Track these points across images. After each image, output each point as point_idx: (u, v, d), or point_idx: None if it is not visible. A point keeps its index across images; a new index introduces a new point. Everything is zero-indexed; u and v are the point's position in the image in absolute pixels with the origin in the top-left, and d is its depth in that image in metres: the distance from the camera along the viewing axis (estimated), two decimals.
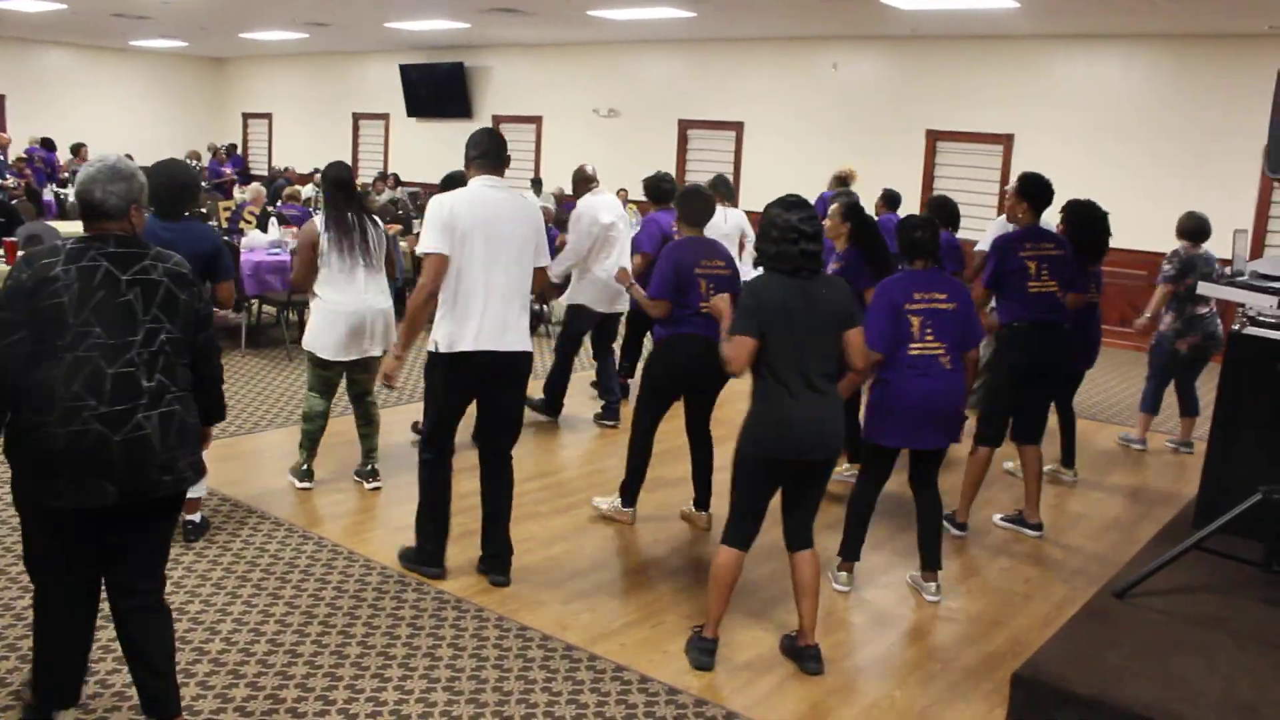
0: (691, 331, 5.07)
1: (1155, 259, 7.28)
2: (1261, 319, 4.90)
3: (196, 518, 4.93)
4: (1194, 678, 3.59)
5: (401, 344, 4.64)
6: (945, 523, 5.53)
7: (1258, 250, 10.49)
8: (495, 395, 4.54)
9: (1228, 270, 6.41)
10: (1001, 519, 5.72)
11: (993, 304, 5.67)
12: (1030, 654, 3.92)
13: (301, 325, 7.50)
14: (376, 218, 5.76)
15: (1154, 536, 5.18)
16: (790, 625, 4.31)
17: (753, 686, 3.90)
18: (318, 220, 5.52)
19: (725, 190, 8.24)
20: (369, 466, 5.81)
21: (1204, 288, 5.66)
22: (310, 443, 5.71)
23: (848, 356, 3.94)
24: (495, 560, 4.67)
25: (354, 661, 3.88)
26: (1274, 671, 3.65)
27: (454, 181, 6.50)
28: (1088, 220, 5.89)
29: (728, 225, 7.99)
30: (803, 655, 4.03)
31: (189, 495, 3.81)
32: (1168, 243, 7.22)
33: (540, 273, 4.60)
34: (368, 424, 5.80)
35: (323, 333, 5.48)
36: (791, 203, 3.88)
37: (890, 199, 8.72)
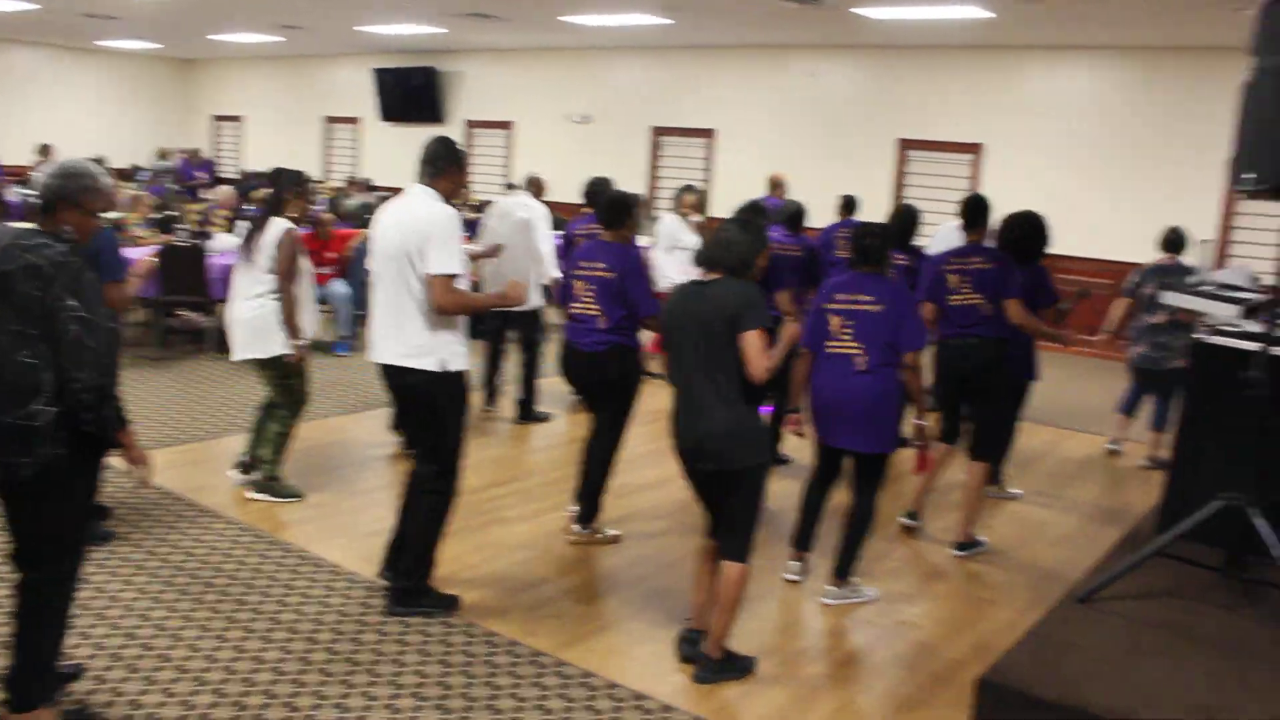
0: (566, 336, 5.21)
1: (1121, 268, 7.36)
2: (1224, 329, 4.95)
3: None
4: (1156, 682, 3.62)
5: None
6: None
7: (1221, 261, 10.61)
8: (399, 406, 4.46)
9: (1191, 280, 6.51)
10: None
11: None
12: (995, 659, 3.95)
13: None
14: (283, 220, 5.38)
15: (1117, 542, 5.24)
16: (751, 630, 4.36)
17: (718, 692, 3.91)
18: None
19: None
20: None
21: (1168, 297, 5.74)
22: (251, 433, 5.72)
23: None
24: (389, 588, 4.45)
25: (320, 668, 3.85)
26: (1233, 675, 3.69)
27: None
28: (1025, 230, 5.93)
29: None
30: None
31: None
32: (1133, 252, 7.33)
33: (435, 281, 4.09)
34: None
35: None
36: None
37: (848, 204, 8.79)
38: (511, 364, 7.88)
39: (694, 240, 8.28)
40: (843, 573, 4.79)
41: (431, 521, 4.34)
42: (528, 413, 7.54)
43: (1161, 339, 6.98)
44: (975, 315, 5.39)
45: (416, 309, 4.15)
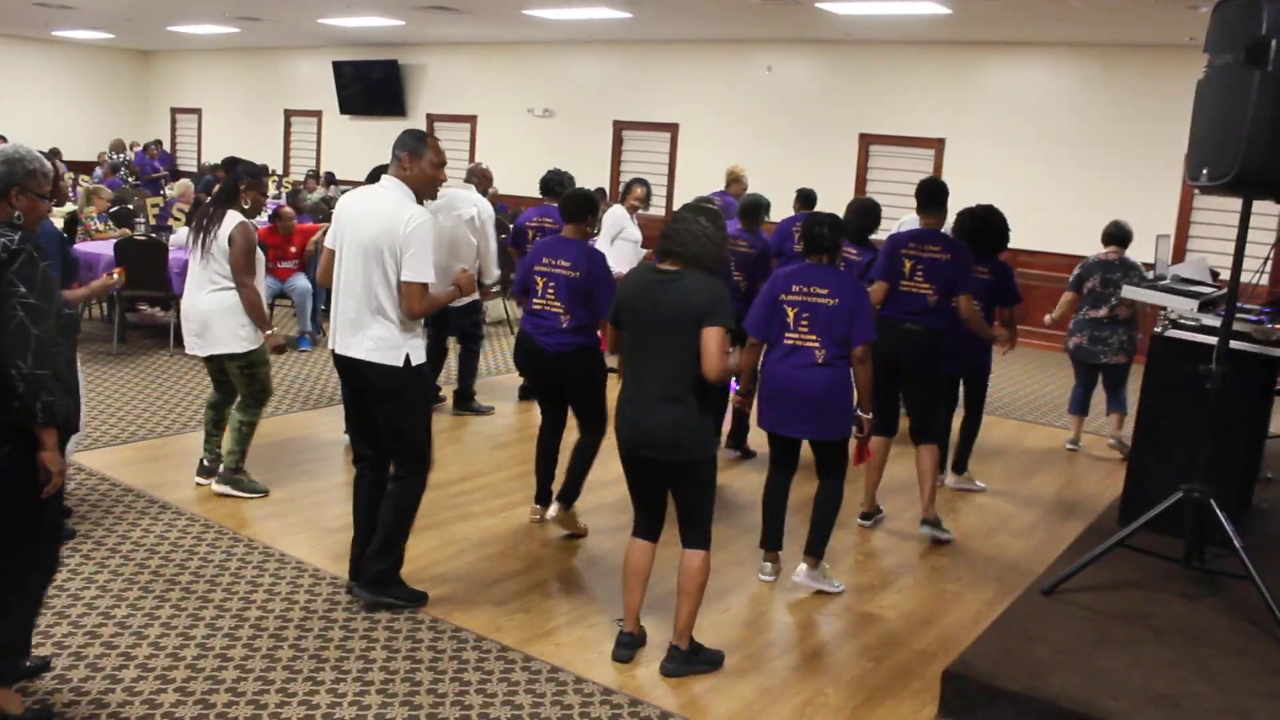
0: (524, 327, 5.22)
1: (1079, 262, 7.42)
2: (1182, 322, 5.02)
3: None
4: (1118, 671, 3.67)
5: None
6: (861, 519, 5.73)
7: (1179, 255, 10.75)
8: (366, 400, 4.32)
9: (1150, 274, 6.59)
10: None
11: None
12: (960, 651, 3.98)
13: None
14: (235, 212, 5.28)
15: (1080, 534, 5.29)
16: (717, 624, 4.38)
17: (687, 686, 3.91)
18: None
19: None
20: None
21: (1128, 291, 5.80)
22: (205, 435, 5.66)
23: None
24: (359, 579, 4.40)
25: (286, 665, 3.82)
26: (1193, 664, 3.75)
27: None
28: (975, 224, 5.92)
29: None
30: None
31: None
32: (1093, 246, 7.36)
33: (410, 288, 4.07)
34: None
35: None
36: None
37: (806, 198, 8.79)
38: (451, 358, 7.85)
39: (638, 234, 8.40)
40: (816, 551, 4.82)
41: (404, 505, 4.33)
42: (466, 404, 7.54)
43: (1101, 333, 7.06)
44: (920, 304, 5.40)
45: (387, 305, 4.12)
